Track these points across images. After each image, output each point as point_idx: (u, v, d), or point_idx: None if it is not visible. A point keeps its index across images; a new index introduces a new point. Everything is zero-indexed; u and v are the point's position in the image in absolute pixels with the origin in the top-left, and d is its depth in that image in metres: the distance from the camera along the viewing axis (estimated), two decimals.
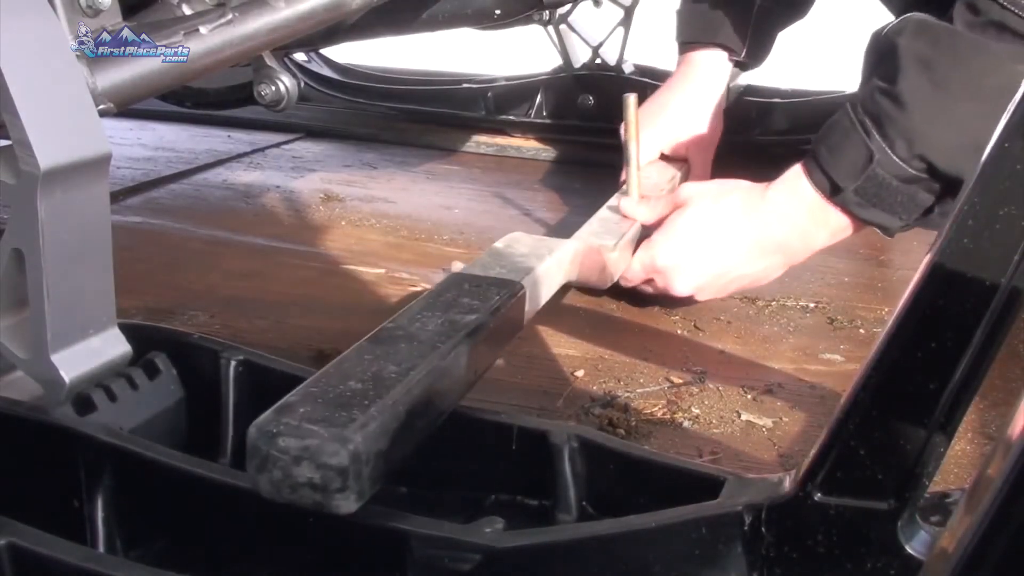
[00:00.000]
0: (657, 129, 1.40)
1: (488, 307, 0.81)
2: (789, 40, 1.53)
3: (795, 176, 1.08)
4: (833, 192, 1.03)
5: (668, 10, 1.55)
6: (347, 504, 0.57)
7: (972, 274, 0.52)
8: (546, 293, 1.03)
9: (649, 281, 1.18)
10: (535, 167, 2.06)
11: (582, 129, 2.05)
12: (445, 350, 0.70)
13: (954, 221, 0.52)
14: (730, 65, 1.36)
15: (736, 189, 1.13)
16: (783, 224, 1.09)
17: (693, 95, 1.36)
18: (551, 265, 1.03)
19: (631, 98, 1.20)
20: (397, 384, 0.64)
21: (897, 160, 0.97)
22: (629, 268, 1.17)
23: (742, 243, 1.12)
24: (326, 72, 2.32)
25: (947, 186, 0.97)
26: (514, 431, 0.75)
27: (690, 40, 1.38)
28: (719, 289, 1.17)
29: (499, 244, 1.06)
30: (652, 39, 1.99)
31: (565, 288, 1.19)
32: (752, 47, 1.34)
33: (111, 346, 0.79)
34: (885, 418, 0.55)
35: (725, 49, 1.32)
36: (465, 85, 2.20)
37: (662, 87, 1.46)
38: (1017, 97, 0.49)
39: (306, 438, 0.57)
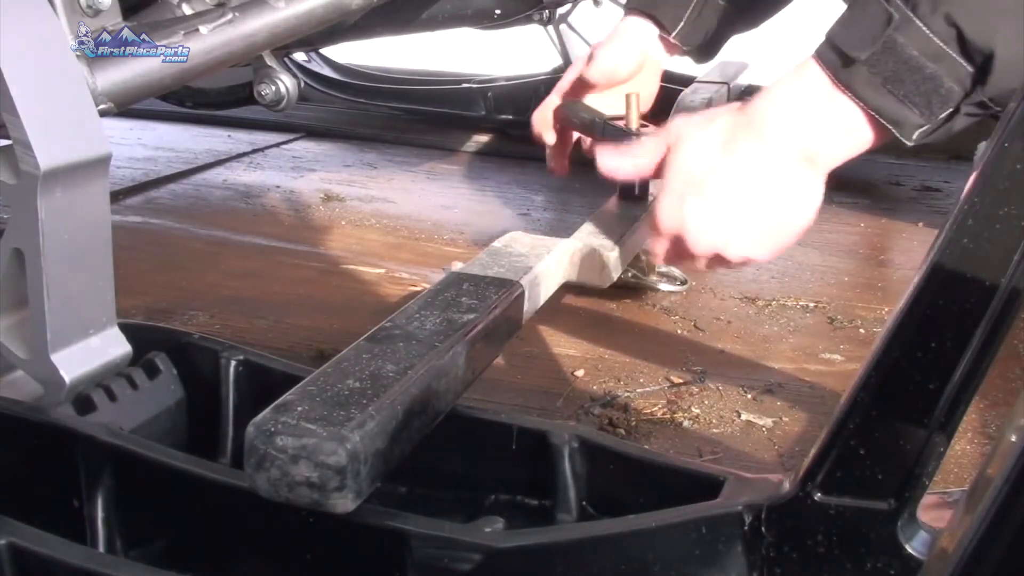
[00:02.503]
0: (566, 80, 1.35)
1: (487, 306, 0.81)
2: (789, 40, 1.54)
3: (803, 63, 0.89)
4: (844, 65, 0.84)
5: None
6: (345, 503, 0.57)
7: (972, 274, 0.52)
8: (545, 293, 1.03)
9: (681, 253, 0.97)
10: (535, 167, 2.06)
11: None
12: (443, 349, 0.70)
13: (954, 221, 0.52)
14: (659, 42, 1.33)
15: (730, 108, 0.95)
16: (788, 125, 0.90)
17: (623, 54, 1.32)
18: (550, 264, 1.03)
19: (633, 96, 1.19)
20: (395, 383, 0.64)
21: (919, 23, 0.81)
22: (654, 253, 1.00)
23: (749, 162, 0.91)
24: (326, 72, 2.32)
25: (977, 72, 0.80)
26: (514, 431, 0.75)
27: (630, 7, 1.35)
28: (752, 231, 0.91)
29: (498, 243, 1.06)
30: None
31: (564, 287, 1.19)
32: (691, 34, 1.30)
33: (111, 346, 0.79)
34: (885, 418, 0.55)
35: (657, 24, 1.29)
36: (465, 85, 2.20)
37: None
38: (1017, 97, 0.49)
39: (304, 437, 0.57)
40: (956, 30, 0.80)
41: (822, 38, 0.86)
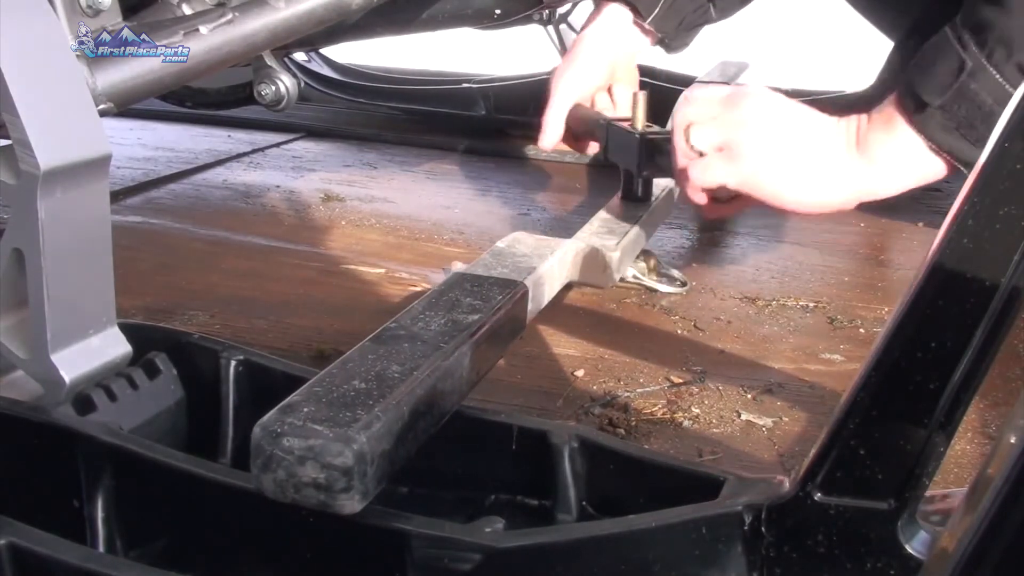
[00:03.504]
0: (567, 78, 1.36)
1: (491, 307, 0.81)
2: (789, 40, 1.53)
3: (888, 104, 0.92)
4: (917, 111, 0.88)
5: None
6: (351, 504, 0.57)
7: (972, 274, 0.52)
8: (548, 293, 1.03)
9: (705, 168, 0.97)
10: (535, 167, 2.06)
11: None
12: (448, 350, 0.70)
13: (954, 221, 0.52)
14: (635, 28, 1.34)
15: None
16: (872, 155, 0.92)
17: (598, 43, 1.33)
18: (553, 265, 1.03)
19: (641, 95, 1.19)
20: (401, 384, 0.64)
21: (992, 71, 0.83)
22: (682, 159, 0.99)
23: (828, 146, 0.94)
24: (326, 72, 2.32)
25: None
26: (514, 431, 0.75)
27: None
28: (805, 180, 0.94)
29: (501, 244, 1.06)
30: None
31: (567, 287, 1.19)
32: (664, 21, 1.31)
33: (111, 346, 0.79)
34: (885, 418, 0.55)
35: (631, 9, 1.30)
36: (465, 85, 2.20)
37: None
38: (1017, 97, 0.49)
39: (310, 438, 0.57)
40: None
41: (902, 83, 0.90)
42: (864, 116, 0.93)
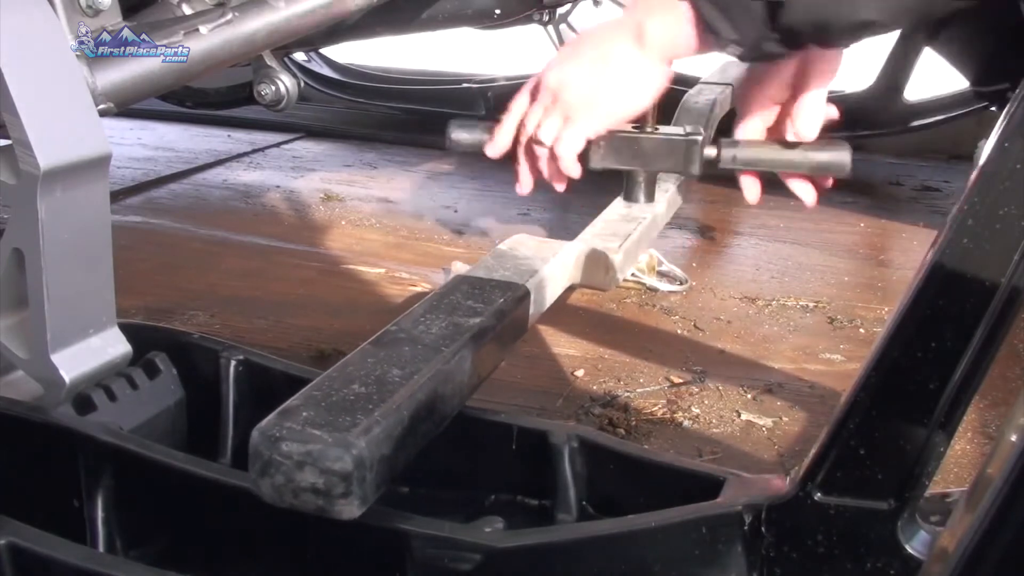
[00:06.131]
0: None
1: (492, 310, 0.80)
2: None
3: None
4: None
5: None
6: (350, 510, 0.57)
7: (972, 274, 0.52)
8: (551, 296, 1.02)
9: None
10: None
11: None
12: (449, 354, 0.70)
13: (954, 221, 0.52)
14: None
15: None
16: (634, 10, 0.90)
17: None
18: (555, 267, 1.03)
19: None
20: (401, 388, 0.63)
21: None
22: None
23: (601, 35, 0.91)
24: (326, 72, 2.32)
25: None
26: (514, 431, 0.75)
27: None
28: (592, 91, 0.93)
29: (503, 246, 1.06)
30: None
31: (569, 289, 1.19)
32: None
33: (111, 346, 0.79)
34: (885, 418, 0.55)
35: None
36: (465, 85, 2.20)
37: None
38: (1016, 97, 0.49)
39: (309, 443, 0.57)
40: None
41: None
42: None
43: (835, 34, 0.78)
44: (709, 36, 0.88)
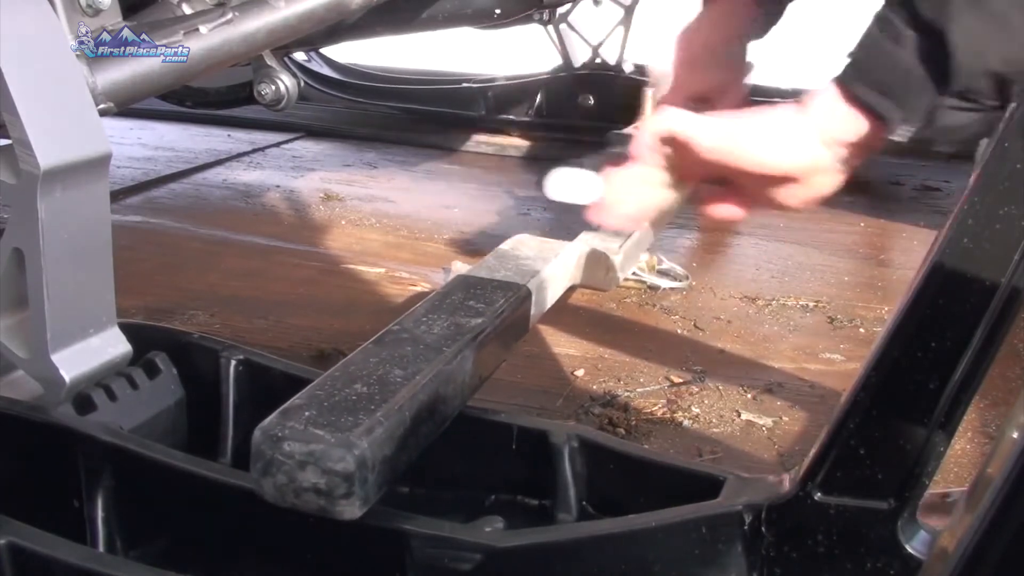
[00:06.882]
0: (681, 74, 1.30)
1: (494, 310, 0.80)
2: (789, 41, 1.53)
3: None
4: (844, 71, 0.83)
5: (668, 10, 1.56)
6: (352, 510, 0.57)
7: (972, 274, 0.52)
8: (552, 296, 1.02)
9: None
10: (535, 167, 2.06)
11: (582, 128, 2.05)
12: (451, 354, 0.70)
13: (954, 221, 0.52)
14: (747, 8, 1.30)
15: None
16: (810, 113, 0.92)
17: (711, 34, 1.28)
18: (556, 268, 1.03)
19: (650, 92, 1.19)
20: (403, 388, 0.63)
21: (889, 14, 0.78)
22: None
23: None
24: (326, 72, 2.32)
25: (938, 53, 0.80)
26: (514, 431, 0.75)
27: None
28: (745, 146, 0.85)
29: (504, 246, 1.06)
30: (652, 38, 1.99)
31: (569, 289, 1.19)
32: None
33: (111, 346, 0.79)
34: (885, 418, 0.55)
35: None
36: (465, 85, 2.20)
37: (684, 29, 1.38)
38: (1017, 97, 0.49)
39: (311, 443, 0.57)
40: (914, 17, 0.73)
41: None
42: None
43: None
44: (877, 124, 0.85)
